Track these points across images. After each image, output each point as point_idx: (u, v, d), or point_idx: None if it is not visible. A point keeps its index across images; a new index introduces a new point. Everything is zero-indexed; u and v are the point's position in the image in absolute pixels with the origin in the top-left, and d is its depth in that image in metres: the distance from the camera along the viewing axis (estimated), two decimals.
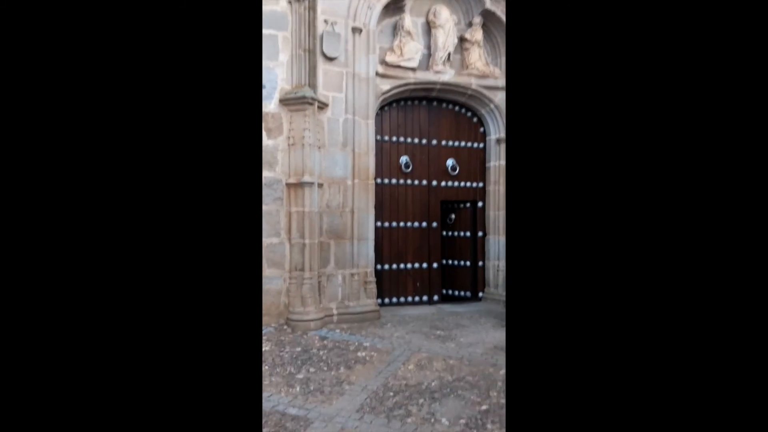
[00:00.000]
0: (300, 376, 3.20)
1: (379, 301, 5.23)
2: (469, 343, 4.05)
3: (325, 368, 3.36)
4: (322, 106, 4.66)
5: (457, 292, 6.00)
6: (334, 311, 4.72)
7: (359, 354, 3.72)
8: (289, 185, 4.57)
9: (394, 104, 5.53)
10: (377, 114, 5.24)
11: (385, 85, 5.15)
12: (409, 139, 5.60)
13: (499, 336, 4.28)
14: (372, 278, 5.01)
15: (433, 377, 3.19)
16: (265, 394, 2.85)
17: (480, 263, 5.92)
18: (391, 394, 2.90)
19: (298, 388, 2.97)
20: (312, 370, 3.33)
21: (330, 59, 4.71)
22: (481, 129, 5.94)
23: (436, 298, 5.75)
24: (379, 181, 5.33)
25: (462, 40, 5.44)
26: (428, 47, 5.37)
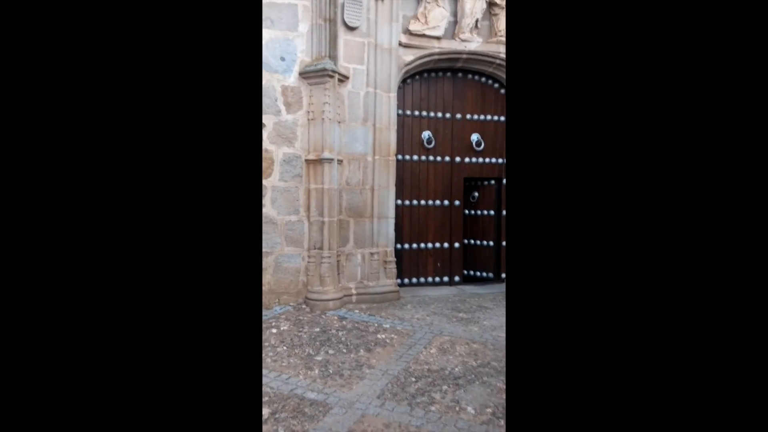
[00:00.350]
0: (319, 358, 3.14)
1: (399, 281, 5.12)
2: (492, 327, 3.92)
3: (345, 350, 3.29)
4: (343, 78, 4.45)
5: (479, 273, 5.85)
6: (353, 291, 4.64)
7: (379, 336, 3.64)
8: (308, 161, 4.42)
9: (417, 76, 5.26)
10: (399, 87, 5.00)
11: (408, 56, 4.88)
12: (432, 114, 5.35)
13: None
14: (392, 258, 4.89)
15: (456, 362, 3.08)
16: (283, 377, 2.80)
17: (504, 243, 5.72)
18: (413, 379, 2.80)
19: (316, 371, 2.90)
20: (331, 351, 3.26)
21: (351, 29, 4.46)
22: None
23: (457, 278, 5.61)
24: (400, 157, 5.13)
25: (491, 4, 5.07)
26: (454, 14, 5.03)
